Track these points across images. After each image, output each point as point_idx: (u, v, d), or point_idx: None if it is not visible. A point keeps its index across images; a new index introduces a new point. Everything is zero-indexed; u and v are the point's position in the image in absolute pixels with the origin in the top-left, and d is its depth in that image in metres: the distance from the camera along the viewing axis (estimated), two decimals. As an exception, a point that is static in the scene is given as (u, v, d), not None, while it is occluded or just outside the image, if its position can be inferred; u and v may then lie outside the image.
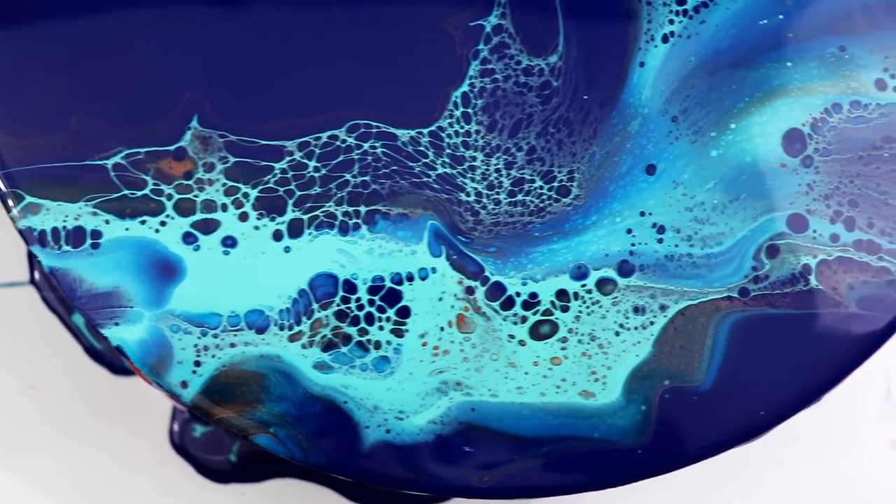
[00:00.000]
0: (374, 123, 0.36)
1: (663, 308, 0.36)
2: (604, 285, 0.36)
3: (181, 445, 0.44)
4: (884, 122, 0.37)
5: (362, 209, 0.36)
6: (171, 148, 0.35)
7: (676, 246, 0.36)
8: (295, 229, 0.35)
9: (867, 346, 0.36)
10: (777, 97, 0.37)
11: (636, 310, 0.36)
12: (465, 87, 0.36)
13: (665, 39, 0.37)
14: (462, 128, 0.36)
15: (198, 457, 0.44)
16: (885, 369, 0.45)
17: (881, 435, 0.45)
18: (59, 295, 0.44)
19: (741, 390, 0.35)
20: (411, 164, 0.36)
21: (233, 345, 0.35)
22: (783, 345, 0.36)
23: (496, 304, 0.36)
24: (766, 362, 0.35)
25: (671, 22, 0.37)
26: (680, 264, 0.36)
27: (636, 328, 0.36)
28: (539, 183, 0.36)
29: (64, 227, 0.35)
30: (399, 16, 0.36)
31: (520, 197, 0.36)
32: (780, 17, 0.37)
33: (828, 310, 0.36)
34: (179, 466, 0.44)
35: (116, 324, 0.35)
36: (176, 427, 0.44)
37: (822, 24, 0.38)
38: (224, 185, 0.35)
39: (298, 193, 0.36)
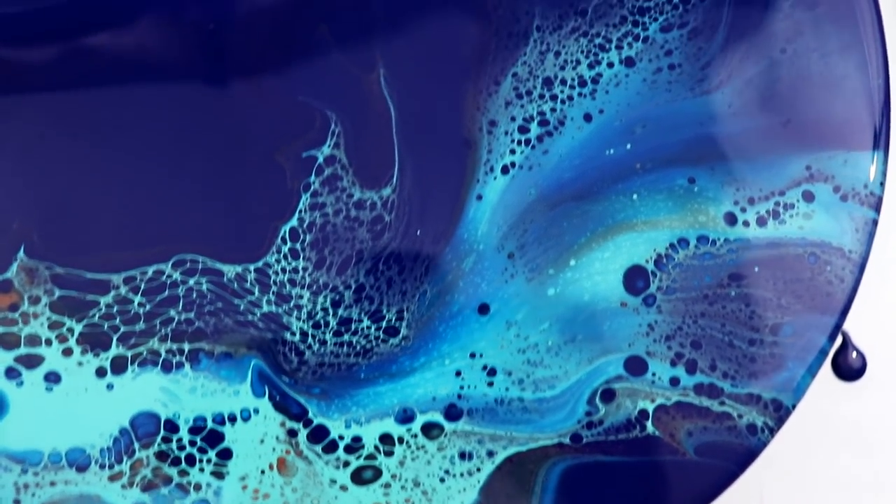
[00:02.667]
0: (201, 258, 0.38)
1: (491, 454, 0.37)
2: (430, 430, 0.37)
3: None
4: (732, 258, 0.38)
5: (186, 347, 0.38)
6: (-5, 282, 0.37)
7: (507, 389, 0.38)
8: (118, 366, 0.37)
9: (704, 496, 0.37)
10: (621, 232, 0.38)
11: (463, 455, 0.37)
12: (293, 222, 0.38)
13: (505, 170, 0.39)
14: (289, 264, 0.38)
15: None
16: None
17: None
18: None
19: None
20: (236, 301, 0.38)
21: (53, 483, 0.37)
22: (616, 494, 0.37)
23: (318, 448, 0.37)
24: (597, 512, 0.37)
25: (512, 152, 0.39)
26: (510, 409, 0.37)
27: (462, 475, 0.37)
28: (367, 323, 0.38)
29: None
30: (229, 146, 0.38)
31: (346, 337, 0.38)
32: (629, 146, 0.39)
33: (664, 457, 0.37)
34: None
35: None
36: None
37: (671, 154, 0.39)
38: (49, 318, 0.37)
39: (123, 329, 0.38)
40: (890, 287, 0.45)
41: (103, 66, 0.37)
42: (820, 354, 0.37)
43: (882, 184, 0.38)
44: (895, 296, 0.45)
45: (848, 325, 0.44)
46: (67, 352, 0.36)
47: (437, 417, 0.37)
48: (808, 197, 0.38)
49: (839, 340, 0.44)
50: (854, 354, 0.44)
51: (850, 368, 0.44)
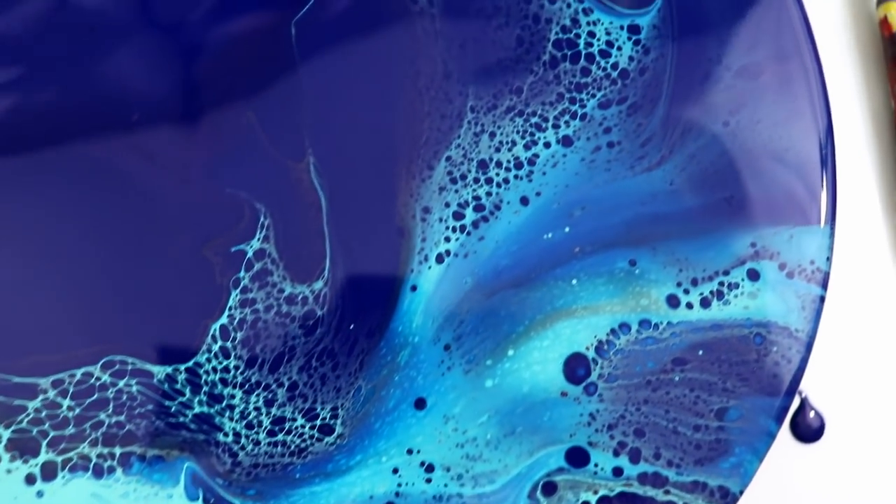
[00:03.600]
0: (130, 359, 0.38)
1: (431, 552, 0.37)
2: (367, 529, 0.38)
3: None
4: (675, 342, 0.38)
5: (117, 451, 0.38)
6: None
7: (446, 485, 0.38)
8: (48, 472, 0.38)
9: (649, 591, 0.37)
10: (560, 319, 0.38)
11: (401, 555, 0.37)
12: (223, 320, 0.38)
13: (440, 259, 0.38)
14: (220, 363, 0.38)
15: None
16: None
17: None
18: None
19: None
20: (167, 402, 0.38)
21: None
22: (558, 591, 0.37)
23: (254, 551, 0.37)
24: None
25: (447, 239, 0.39)
26: (449, 505, 0.37)
27: (402, 575, 0.37)
28: (301, 421, 0.38)
29: None
30: (156, 241, 0.38)
31: (280, 437, 0.38)
32: (567, 229, 0.39)
33: (608, 551, 0.37)
34: None
35: None
36: None
37: (611, 237, 0.39)
38: (-23, 424, 0.37)
39: (52, 434, 0.38)
40: (848, 345, 0.45)
41: (23, 166, 0.37)
42: (767, 438, 0.37)
43: (829, 259, 0.38)
44: (854, 356, 0.45)
45: (805, 384, 0.44)
46: (-4, 458, 0.36)
47: (375, 517, 0.37)
48: (753, 275, 0.38)
49: (797, 401, 0.44)
50: (813, 415, 0.44)
51: (808, 429, 0.44)
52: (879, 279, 0.45)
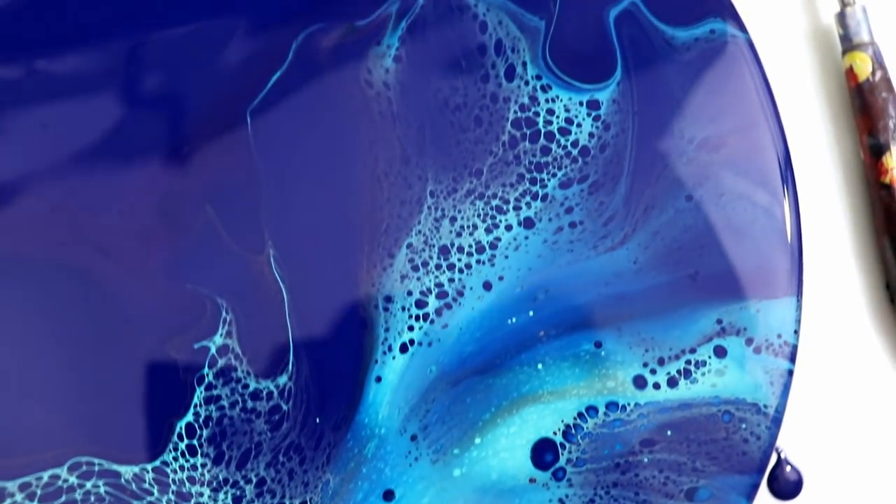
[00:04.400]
0: (97, 460, 0.38)
1: None
2: None
3: None
4: (643, 423, 0.39)
5: (87, 552, 0.38)
6: None
7: (416, 577, 0.38)
8: (19, 576, 0.38)
9: None
10: (526, 404, 0.39)
11: None
12: (189, 417, 0.39)
13: (404, 349, 0.39)
14: (188, 461, 0.38)
15: None
16: None
17: None
18: None
19: None
20: (135, 502, 0.38)
21: None
22: None
23: None
24: None
25: (410, 329, 0.39)
26: None
27: None
28: (269, 517, 0.39)
29: None
30: (118, 340, 0.39)
31: (250, 533, 0.39)
32: (531, 313, 0.39)
33: None
34: None
35: None
36: None
37: (576, 319, 0.39)
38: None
39: (22, 537, 0.38)
40: (824, 402, 0.45)
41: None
42: (739, 516, 0.38)
43: (796, 331, 0.39)
44: (828, 405, 0.45)
45: (782, 440, 0.45)
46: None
47: None
48: (720, 352, 0.38)
49: (774, 457, 0.45)
50: (790, 471, 0.45)
51: (786, 485, 0.45)
52: (845, 330, 0.45)
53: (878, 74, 0.45)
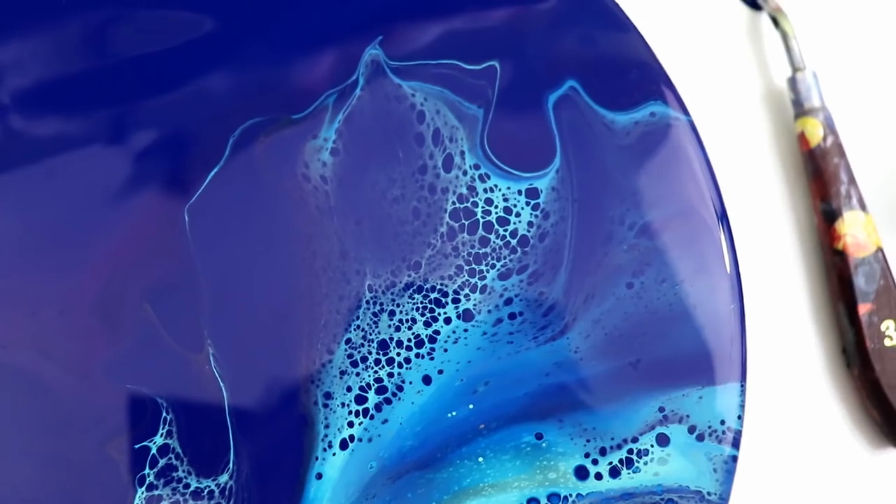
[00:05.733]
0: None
1: None
2: None
3: None
4: (586, 516, 0.40)
5: None
6: None
7: None
8: None
9: None
10: (467, 498, 0.40)
11: None
12: (130, 521, 0.40)
13: (344, 445, 0.40)
14: (129, 563, 0.40)
15: None
16: None
17: None
18: None
19: None
20: None
21: None
22: None
23: None
24: None
25: (350, 424, 0.40)
26: None
27: None
28: None
29: None
30: (58, 440, 0.40)
31: None
32: (471, 406, 0.40)
33: None
34: None
35: None
36: None
37: (516, 411, 0.40)
38: None
39: None
40: (781, 459, 0.46)
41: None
42: None
43: (740, 417, 0.39)
44: (788, 468, 0.46)
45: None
46: None
47: None
48: (663, 440, 0.39)
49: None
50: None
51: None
52: (803, 395, 0.46)
53: (830, 140, 0.45)
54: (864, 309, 0.45)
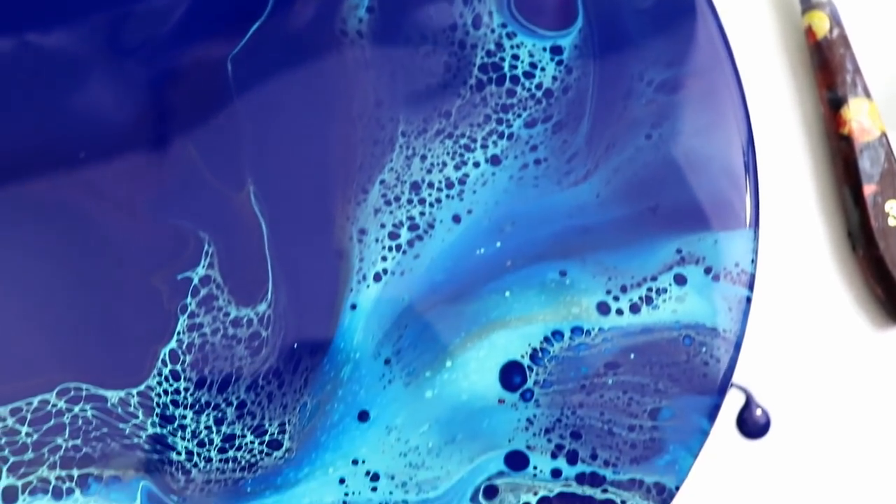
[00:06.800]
0: (84, 386, 0.42)
1: (378, 558, 0.41)
2: (317, 539, 0.41)
3: None
4: (607, 347, 0.42)
5: (75, 473, 0.42)
6: None
7: (391, 493, 0.42)
8: (9, 496, 0.42)
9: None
10: (495, 329, 0.42)
11: (350, 562, 0.41)
12: (172, 344, 0.42)
13: (377, 278, 0.43)
14: (171, 386, 0.42)
15: None
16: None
17: None
18: None
19: None
20: (121, 425, 0.42)
21: None
22: (502, 590, 0.41)
23: (209, 564, 0.41)
24: None
25: (384, 259, 0.43)
26: (394, 512, 0.41)
27: (351, 581, 0.41)
28: (250, 438, 0.42)
29: None
30: (105, 272, 0.42)
31: (231, 453, 0.42)
32: (498, 244, 0.43)
33: (550, 549, 0.41)
34: None
35: None
36: None
37: (541, 249, 0.43)
38: (-59, 456, 0.41)
39: (12, 459, 0.42)
40: (787, 339, 0.49)
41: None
42: (700, 435, 0.41)
43: (753, 261, 0.42)
44: (794, 349, 0.49)
45: (751, 382, 0.48)
46: (-41, 486, 0.40)
47: (323, 527, 0.40)
48: (681, 280, 0.42)
49: (742, 398, 0.48)
50: (759, 412, 0.48)
51: (755, 425, 0.48)
52: (810, 277, 0.49)
53: (836, 32, 0.49)
54: (868, 190, 0.48)
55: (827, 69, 0.49)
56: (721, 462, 0.47)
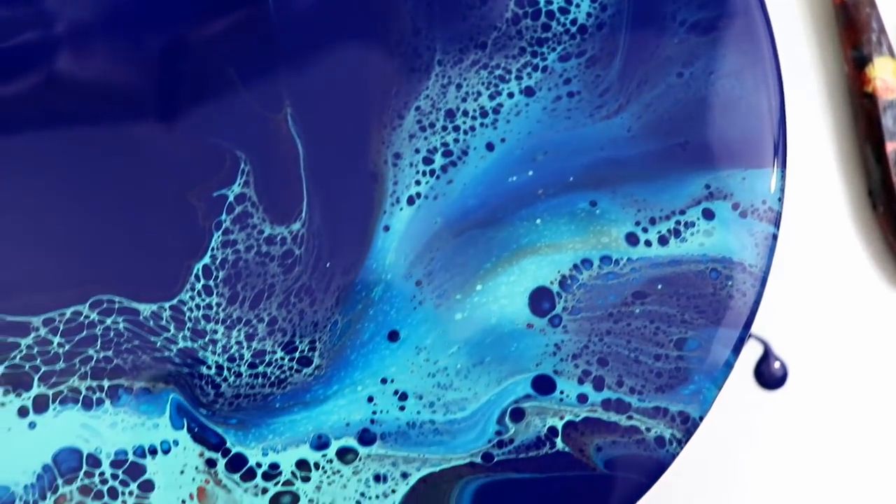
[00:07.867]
0: (117, 298, 0.43)
1: (405, 476, 0.42)
2: (344, 454, 0.42)
3: None
4: (635, 277, 0.43)
5: (105, 384, 0.43)
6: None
7: (419, 413, 0.43)
8: (40, 405, 0.42)
9: (614, 508, 0.42)
10: (525, 256, 0.44)
11: (377, 478, 0.42)
12: (206, 260, 0.43)
13: (411, 201, 0.44)
14: (203, 300, 0.43)
15: None
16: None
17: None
18: None
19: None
20: (153, 338, 0.43)
21: (-23, 523, 0.42)
22: (527, 510, 0.42)
23: (237, 476, 0.42)
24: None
25: (417, 183, 0.44)
26: (422, 431, 0.42)
27: (377, 496, 0.42)
28: (280, 354, 0.43)
29: None
30: (142, 187, 0.43)
31: (261, 369, 0.43)
32: (530, 173, 0.44)
33: (575, 472, 0.42)
34: None
35: None
36: None
37: (573, 179, 0.44)
38: (-29, 364, 0.42)
39: (44, 369, 0.43)
40: (806, 294, 0.50)
41: (9, 113, 0.43)
42: (725, 367, 0.42)
43: (780, 199, 0.44)
44: (812, 304, 0.50)
45: (769, 335, 0.49)
46: (-10, 394, 0.41)
47: (352, 442, 0.41)
48: (709, 215, 0.43)
49: (761, 350, 0.49)
50: (776, 364, 0.49)
51: (772, 377, 0.49)
52: (830, 234, 0.50)
53: (861, -9, 0.50)
54: (891, 147, 0.50)
55: (852, 28, 0.51)
56: (738, 412, 0.48)
